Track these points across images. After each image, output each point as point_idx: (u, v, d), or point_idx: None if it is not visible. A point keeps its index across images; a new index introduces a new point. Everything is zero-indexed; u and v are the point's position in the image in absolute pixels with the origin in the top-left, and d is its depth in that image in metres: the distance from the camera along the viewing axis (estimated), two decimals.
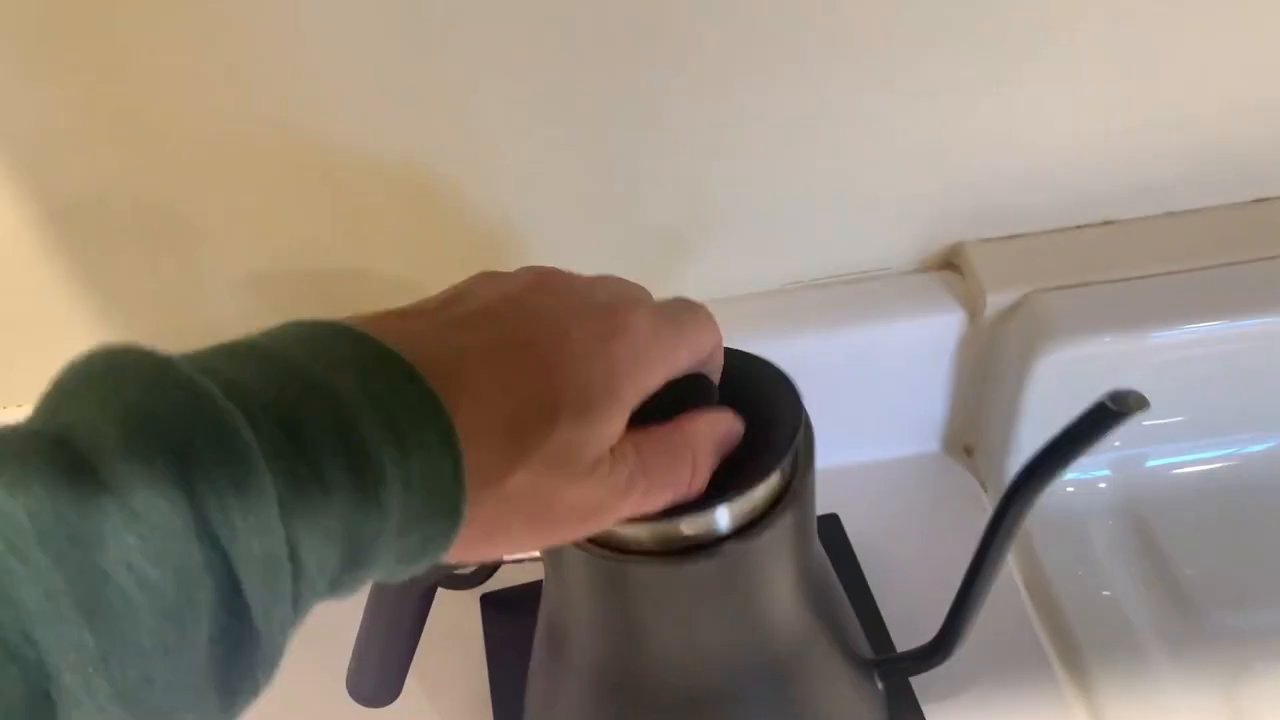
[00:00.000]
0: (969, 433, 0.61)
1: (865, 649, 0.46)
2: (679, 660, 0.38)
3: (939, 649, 0.44)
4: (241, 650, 0.21)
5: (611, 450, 0.29)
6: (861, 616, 0.49)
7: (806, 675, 0.41)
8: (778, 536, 0.34)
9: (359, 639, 0.45)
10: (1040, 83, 0.50)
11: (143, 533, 0.20)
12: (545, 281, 0.31)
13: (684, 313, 0.32)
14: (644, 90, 0.48)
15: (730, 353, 0.36)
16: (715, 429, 0.32)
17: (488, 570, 0.53)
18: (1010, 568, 0.55)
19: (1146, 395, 0.35)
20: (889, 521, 0.57)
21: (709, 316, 0.33)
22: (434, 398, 0.24)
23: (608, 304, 0.30)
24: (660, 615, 0.36)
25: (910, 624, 0.51)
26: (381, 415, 0.23)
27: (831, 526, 0.56)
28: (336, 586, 0.24)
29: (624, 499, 0.30)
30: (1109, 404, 0.35)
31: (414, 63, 0.45)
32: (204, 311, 0.53)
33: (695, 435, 0.31)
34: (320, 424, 0.23)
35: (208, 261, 0.52)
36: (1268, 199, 0.56)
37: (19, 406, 0.57)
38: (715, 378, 0.34)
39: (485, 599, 0.54)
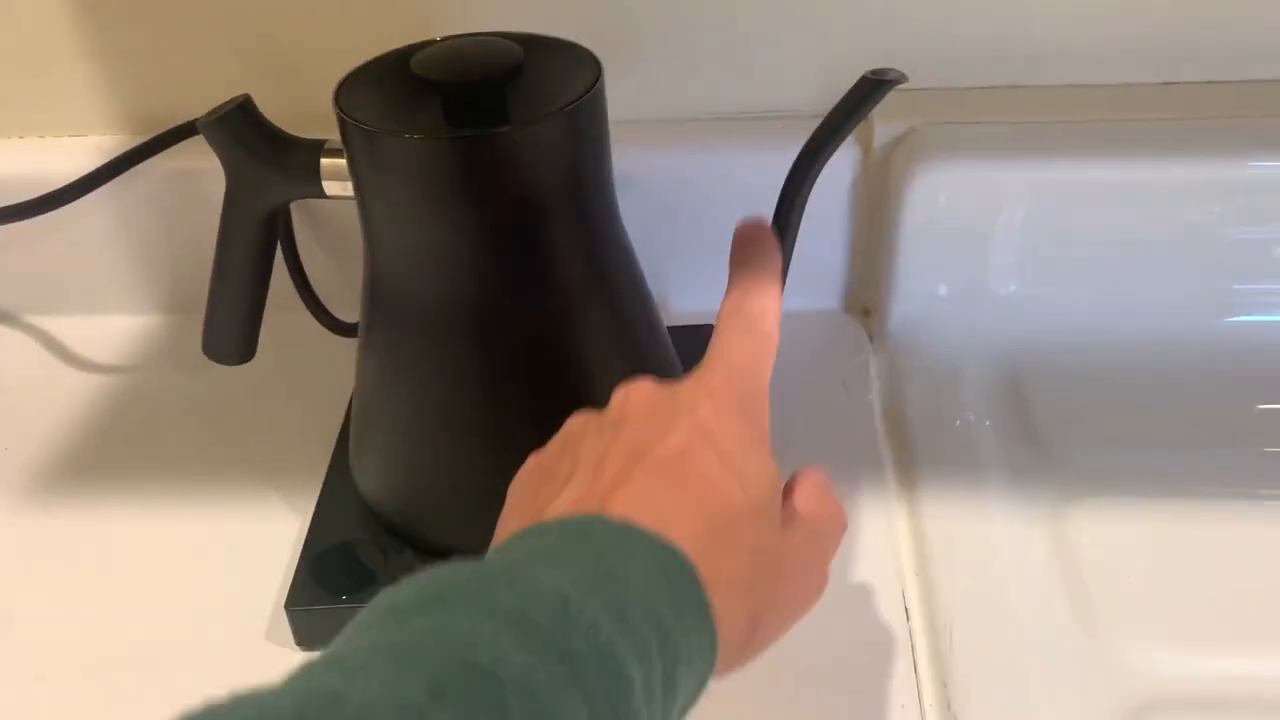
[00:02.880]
0: (867, 292, 0.62)
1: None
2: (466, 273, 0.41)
3: None
4: None
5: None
6: None
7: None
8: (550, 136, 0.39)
9: (209, 302, 0.49)
10: None
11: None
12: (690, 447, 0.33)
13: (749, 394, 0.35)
14: None
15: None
16: None
17: None
18: (872, 401, 0.56)
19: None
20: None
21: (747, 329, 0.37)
22: (701, 592, 0.30)
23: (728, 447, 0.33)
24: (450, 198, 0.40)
25: None
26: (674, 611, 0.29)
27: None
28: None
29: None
30: (869, 75, 0.38)
31: None
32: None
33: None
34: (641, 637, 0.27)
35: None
36: (1175, 83, 0.58)
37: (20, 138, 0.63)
38: None
39: None
